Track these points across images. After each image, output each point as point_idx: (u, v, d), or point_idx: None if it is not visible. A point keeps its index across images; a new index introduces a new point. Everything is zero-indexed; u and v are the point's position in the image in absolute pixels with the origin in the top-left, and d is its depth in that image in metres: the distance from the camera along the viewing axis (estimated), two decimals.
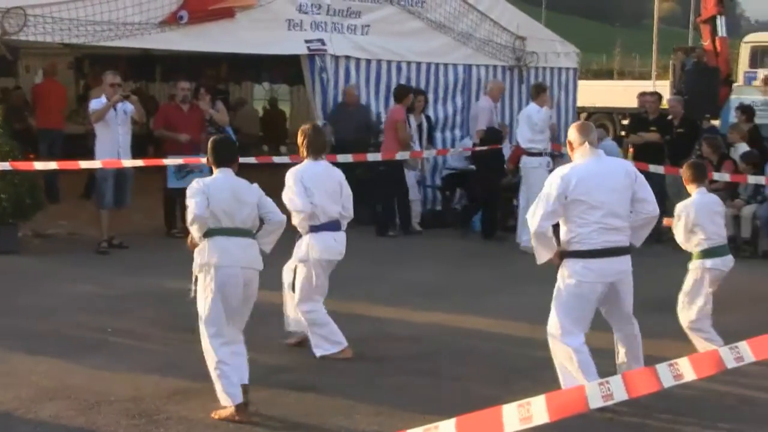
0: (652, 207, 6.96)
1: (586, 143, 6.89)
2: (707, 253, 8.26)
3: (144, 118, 13.64)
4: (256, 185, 6.88)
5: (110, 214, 12.64)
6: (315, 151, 8.05)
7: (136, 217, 14.51)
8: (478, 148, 15.10)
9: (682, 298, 8.35)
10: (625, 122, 22.79)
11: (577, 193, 6.71)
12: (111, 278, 10.86)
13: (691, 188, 8.41)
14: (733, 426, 6.64)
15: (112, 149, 12.36)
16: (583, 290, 6.80)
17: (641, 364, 6.98)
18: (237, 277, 6.60)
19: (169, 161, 12.60)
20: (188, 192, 6.63)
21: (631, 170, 7.00)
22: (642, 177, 7.00)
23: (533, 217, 6.83)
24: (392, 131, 14.52)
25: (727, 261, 8.41)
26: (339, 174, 8.18)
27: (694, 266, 8.31)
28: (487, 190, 14.57)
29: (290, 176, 7.96)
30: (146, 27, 13.20)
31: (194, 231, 6.65)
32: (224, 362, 6.54)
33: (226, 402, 6.49)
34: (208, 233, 6.60)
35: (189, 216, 6.61)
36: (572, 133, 6.99)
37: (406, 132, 14.57)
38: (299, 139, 8.12)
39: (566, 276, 6.82)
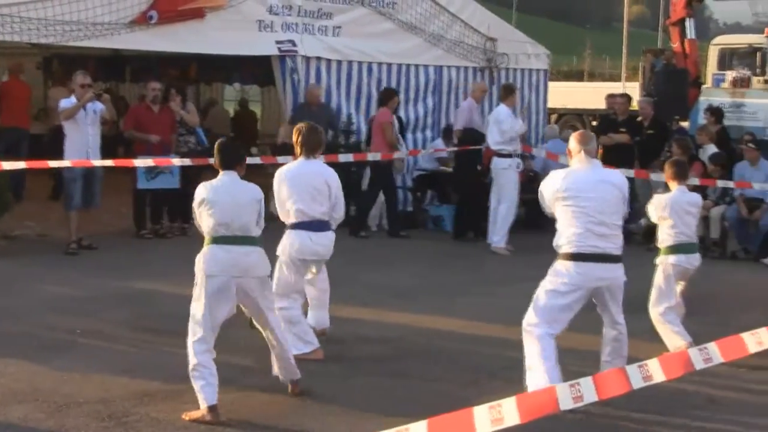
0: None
1: (583, 152, 7.07)
2: (672, 250, 8.51)
3: (115, 117, 13.58)
4: (258, 189, 6.87)
5: (79, 215, 12.54)
6: (309, 150, 8.02)
7: (106, 217, 14.42)
8: (451, 149, 15.19)
9: (653, 292, 8.50)
10: (595, 123, 22.89)
11: (566, 196, 6.93)
12: (80, 279, 10.78)
13: (672, 185, 8.63)
14: (702, 425, 6.67)
15: (82, 149, 12.27)
16: (564, 291, 6.93)
17: (624, 365, 7.00)
18: (229, 287, 6.58)
19: (140, 162, 12.53)
20: (194, 199, 6.68)
21: (621, 183, 7.15)
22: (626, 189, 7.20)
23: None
24: (380, 134, 14.54)
25: (692, 259, 8.60)
26: (330, 175, 8.10)
27: (660, 261, 8.56)
28: (464, 191, 14.60)
29: (275, 174, 8.02)
30: (116, 27, 13.12)
31: None
32: (203, 366, 6.51)
33: (202, 403, 6.47)
34: (208, 240, 6.64)
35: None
36: (572, 142, 7.17)
37: (393, 134, 14.62)
38: (294, 137, 8.10)
39: (551, 275, 6.96)
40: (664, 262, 8.52)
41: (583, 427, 6.47)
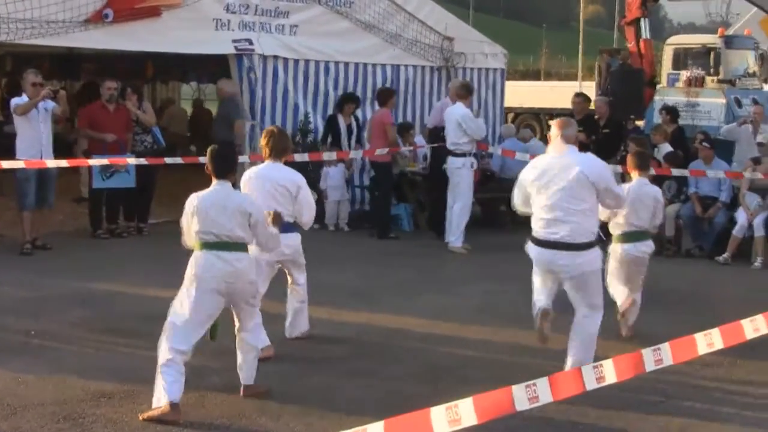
0: (614, 204, 7.71)
1: (560, 136, 7.41)
2: (622, 238, 8.79)
3: (67, 113, 13.46)
4: (251, 199, 7.09)
5: (33, 214, 12.42)
6: (276, 154, 8.10)
7: (61, 217, 14.33)
8: (419, 146, 15.30)
9: (608, 278, 8.71)
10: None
11: (532, 179, 7.37)
12: (34, 280, 10.68)
13: (633, 175, 8.96)
14: (657, 419, 6.74)
15: (34, 148, 12.15)
16: (536, 271, 7.55)
17: (580, 357, 7.38)
18: (213, 290, 6.64)
19: (95, 162, 12.44)
20: (185, 210, 6.73)
21: (591, 169, 7.37)
22: (605, 176, 7.50)
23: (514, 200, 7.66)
24: (381, 133, 14.60)
25: (640, 246, 8.86)
26: (296, 179, 8.13)
27: (612, 249, 8.81)
28: (433, 189, 14.65)
29: (243, 176, 8.14)
30: (70, 25, 13.01)
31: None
32: (175, 363, 6.53)
33: (164, 398, 6.44)
34: (199, 246, 6.70)
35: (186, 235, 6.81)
36: (552, 128, 7.55)
37: (395, 134, 14.76)
38: (263, 140, 8.18)
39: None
40: (615, 250, 8.79)
41: (541, 425, 6.50)
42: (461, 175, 13.50)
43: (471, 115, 13.61)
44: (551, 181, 7.24)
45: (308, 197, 8.19)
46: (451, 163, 13.51)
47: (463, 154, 13.50)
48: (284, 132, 8.48)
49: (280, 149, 8.13)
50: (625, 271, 8.80)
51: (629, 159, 9.13)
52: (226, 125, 14.38)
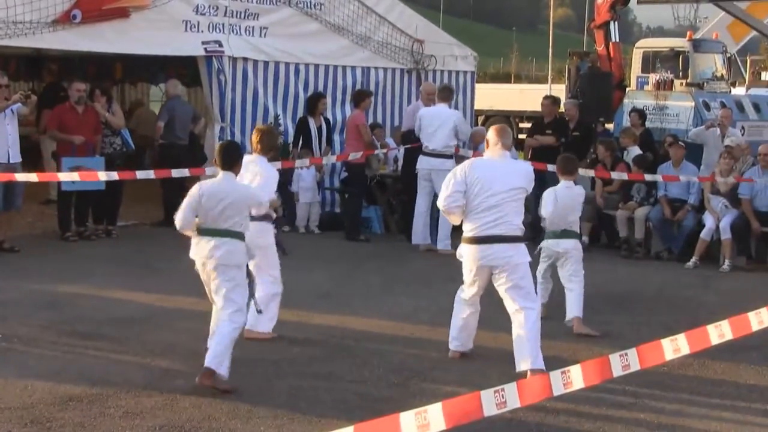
0: None
1: (500, 144, 7.85)
2: (550, 236, 9.41)
3: (34, 114, 13.36)
4: (252, 189, 7.80)
5: (0, 217, 12.31)
6: (265, 150, 8.62)
7: (29, 219, 14.23)
8: (392, 148, 15.35)
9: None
10: (525, 126, 23.06)
11: (472, 179, 7.67)
12: (1, 283, 10.58)
13: (561, 178, 9.46)
14: (629, 420, 6.76)
15: (1, 149, 12.06)
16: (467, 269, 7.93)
17: (525, 357, 7.65)
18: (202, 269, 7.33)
19: (65, 177, 12.19)
20: (187, 196, 7.31)
21: (526, 173, 7.98)
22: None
23: (441, 198, 7.91)
24: (355, 135, 14.64)
25: (562, 243, 9.35)
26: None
27: (543, 246, 9.49)
28: (405, 192, 14.69)
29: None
30: (38, 26, 12.92)
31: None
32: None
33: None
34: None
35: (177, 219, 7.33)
36: (491, 134, 7.95)
37: (369, 134, 14.77)
38: (255, 137, 8.63)
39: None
40: (539, 247, 9.46)
41: (510, 427, 6.51)
42: (438, 176, 13.50)
43: (461, 119, 13.79)
44: (492, 180, 7.68)
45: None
46: (440, 165, 13.24)
47: (451, 156, 13.51)
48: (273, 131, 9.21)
49: (269, 146, 8.69)
50: (545, 264, 9.47)
51: (557, 165, 9.66)
52: (175, 126, 14.49)
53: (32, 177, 11.92)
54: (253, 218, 7.98)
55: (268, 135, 8.79)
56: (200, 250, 7.26)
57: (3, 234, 12.41)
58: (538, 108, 16.58)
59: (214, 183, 7.35)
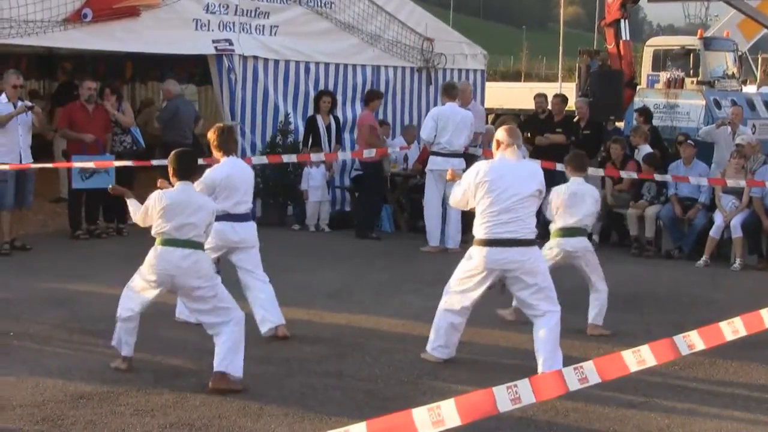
0: None
1: (514, 145, 7.73)
2: (559, 233, 9.10)
3: (45, 125, 13.41)
4: (209, 201, 7.55)
5: (12, 215, 12.35)
6: (233, 151, 8.67)
7: (40, 218, 14.26)
8: (403, 147, 15.36)
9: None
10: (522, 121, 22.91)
11: (490, 180, 7.52)
12: (13, 281, 10.62)
13: (572, 176, 9.29)
14: (640, 419, 6.75)
15: (14, 152, 12.12)
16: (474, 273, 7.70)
17: (546, 359, 7.52)
18: (166, 283, 7.24)
19: (79, 164, 12.36)
20: (149, 200, 7.24)
21: (539, 174, 7.80)
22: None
23: (453, 195, 7.95)
24: (367, 131, 14.67)
25: (572, 242, 9.12)
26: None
27: (546, 246, 9.05)
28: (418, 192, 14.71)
29: None
30: (49, 25, 12.95)
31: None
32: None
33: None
34: (160, 241, 7.22)
35: (138, 217, 7.40)
36: (503, 135, 7.76)
37: (371, 135, 14.73)
38: (215, 136, 8.49)
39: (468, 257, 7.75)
40: (547, 246, 9.04)
41: (519, 423, 6.51)
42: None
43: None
44: (508, 182, 7.54)
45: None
46: (460, 165, 12.94)
47: (462, 155, 13.51)
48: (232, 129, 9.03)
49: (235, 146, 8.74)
50: (553, 263, 9.04)
51: (566, 162, 9.49)
52: (181, 125, 14.50)
53: (47, 165, 11.98)
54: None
55: (231, 132, 8.75)
56: (166, 261, 7.12)
57: (14, 232, 12.45)
58: (549, 106, 16.53)
59: (176, 193, 7.20)
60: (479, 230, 7.61)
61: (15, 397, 6.82)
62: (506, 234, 7.49)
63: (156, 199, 7.16)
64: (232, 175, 8.38)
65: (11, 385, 7.11)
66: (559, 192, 9.10)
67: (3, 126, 12.06)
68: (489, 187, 7.52)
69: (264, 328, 8.53)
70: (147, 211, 7.23)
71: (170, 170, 7.30)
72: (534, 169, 7.89)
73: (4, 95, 12.30)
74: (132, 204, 7.55)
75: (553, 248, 9.10)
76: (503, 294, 8.03)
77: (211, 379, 7.02)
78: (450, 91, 13.95)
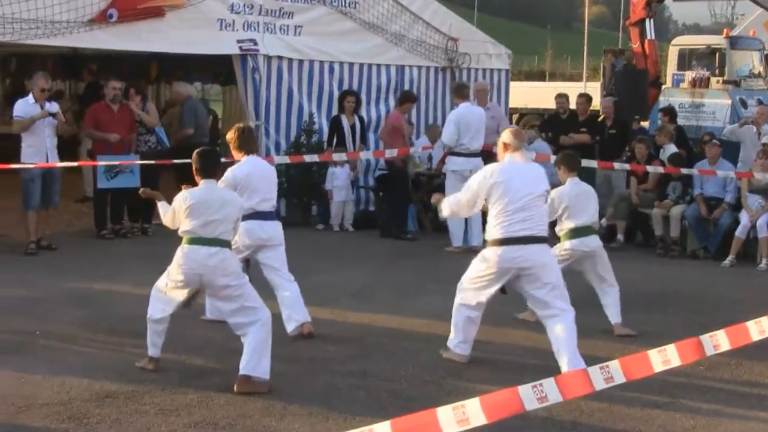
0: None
1: (522, 147, 7.88)
2: (567, 235, 9.05)
3: (68, 131, 13.47)
4: (236, 196, 7.69)
5: (38, 215, 12.43)
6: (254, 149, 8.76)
7: (66, 218, 14.33)
8: (426, 147, 15.36)
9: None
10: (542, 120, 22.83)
11: (502, 181, 7.60)
12: (39, 280, 10.68)
13: (564, 177, 9.20)
14: (665, 420, 6.72)
15: (40, 152, 12.20)
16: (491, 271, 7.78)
17: (570, 359, 7.51)
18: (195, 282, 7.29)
19: (105, 162, 12.44)
20: (175, 201, 7.29)
21: (544, 174, 7.92)
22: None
23: (449, 205, 8.09)
24: (392, 134, 14.69)
25: (586, 241, 9.09)
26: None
27: (557, 248, 8.90)
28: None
29: None
30: (74, 25, 13.01)
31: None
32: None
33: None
34: (187, 240, 7.25)
35: (167, 219, 7.44)
36: (510, 138, 7.83)
37: (388, 134, 14.76)
38: (237, 137, 8.54)
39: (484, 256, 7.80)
40: (560, 248, 8.99)
41: (543, 423, 6.49)
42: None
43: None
44: (520, 184, 7.62)
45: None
46: (480, 164, 12.88)
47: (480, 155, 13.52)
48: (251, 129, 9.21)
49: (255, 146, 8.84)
50: (565, 264, 8.95)
51: (558, 163, 9.43)
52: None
53: (72, 163, 12.06)
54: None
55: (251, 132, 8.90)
56: (192, 260, 7.17)
57: (40, 232, 12.52)
58: (573, 106, 16.49)
59: (200, 192, 7.27)
60: (495, 230, 7.64)
61: (41, 396, 6.86)
62: (522, 232, 7.54)
63: (182, 199, 7.22)
64: (252, 173, 8.43)
65: (37, 383, 7.15)
66: (565, 193, 9.03)
67: (26, 129, 12.16)
68: (505, 188, 7.56)
69: (290, 327, 8.56)
70: (174, 212, 7.28)
71: (194, 169, 7.35)
72: (541, 170, 7.96)
73: (31, 95, 12.39)
74: (162, 206, 7.58)
75: (568, 249, 9.03)
76: (504, 294, 8.00)
77: (236, 381, 7.03)
78: (461, 91, 13.99)
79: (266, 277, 8.73)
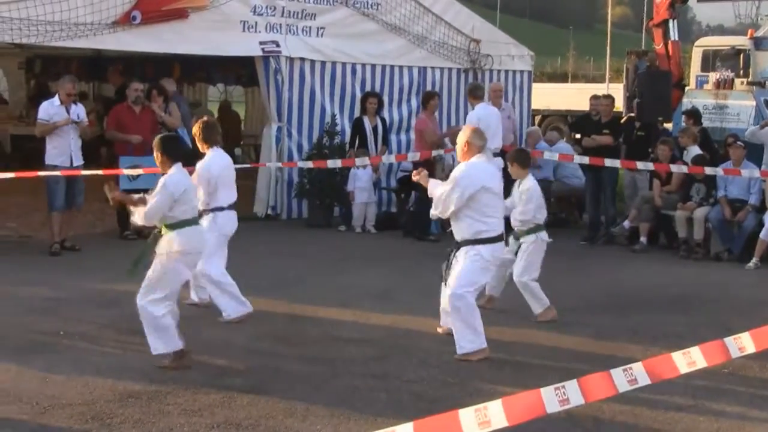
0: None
1: (486, 148, 8.42)
2: (540, 228, 9.60)
3: (90, 135, 13.54)
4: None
5: (62, 216, 12.49)
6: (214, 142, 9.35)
7: (89, 218, 14.39)
8: (450, 150, 15.36)
9: (523, 264, 9.54)
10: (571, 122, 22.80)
11: (479, 182, 8.10)
12: (63, 281, 10.73)
13: (523, 174, 9.65)
14: (688, 422, 6.69)
15: (65, 154, 12.27)
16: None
17: None
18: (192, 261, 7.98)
19: (128, 171, 12.47)
20: (165, 192, 7.60)
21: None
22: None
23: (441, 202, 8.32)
24: (419, 138, 14.78)
25: (546, 234, 9.69)
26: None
27: (534, 239, 9.54)
28: None
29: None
30: (98, 27, 13.09)
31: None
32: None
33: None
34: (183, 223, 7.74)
35: (157, 215, 7.74)
36: (475, 138, 8.27)
37: (433, 137, 14.80)
38: (201, 131, 9.27)
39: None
40: (540, 239, 9.54)
41: (568, 427, 6.47)
42: None
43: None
44: (495, 185, 8.26)
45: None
46: (500, 164, 13.04)
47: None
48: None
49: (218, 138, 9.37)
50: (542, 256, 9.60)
51: (512, 160, 9.75)
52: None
53: (97, 172, 12.13)
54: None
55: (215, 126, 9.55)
56: (196, 241, 7.76)
57: (64, 233, 12.58)
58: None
59: (183, 176, 7.76)
60: (480, 228, 8.12)
61: (65, 396, 6.89)
62: (500, 229, 8.23)
63: (174, 186, 7.57)
64: (222, 166, 9.19)
65: (61, 383, 7.18)
66: (537, 189, 9.57)
67: (48, 134, 12.23)
68: (475, 188, 8.06)
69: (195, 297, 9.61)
70: (169, 202, 7.58)
71: (164, 156, 7.75)
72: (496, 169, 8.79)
73: (56, 97, 12.46)
74: (140, 209, 7.88)
75: (543, 242, 9.58)
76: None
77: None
78: (476, 92, 14.01)
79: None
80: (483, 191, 8.06)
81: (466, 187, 8.03)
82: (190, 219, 7.70)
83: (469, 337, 8.07)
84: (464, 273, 8.13)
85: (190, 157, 13.45)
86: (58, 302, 9.81)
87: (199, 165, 9.07)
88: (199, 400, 6.84)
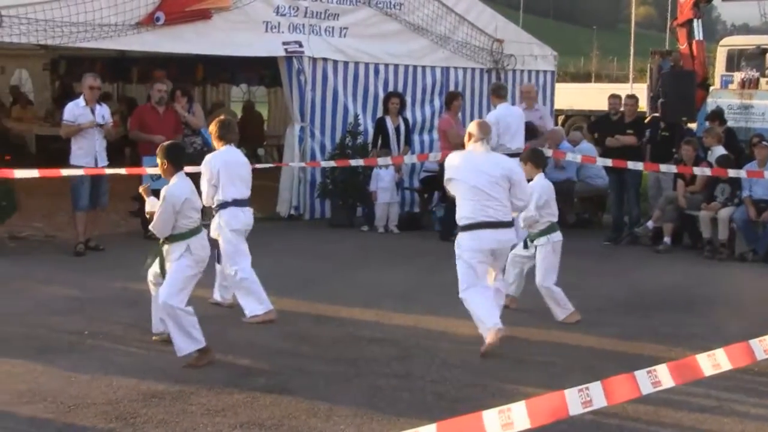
0: (522, 204, 8.67)
1: (484, 140, 8.48)
2: (551, 229, 9.51)
3: (114, 136, 13.59)
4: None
5: (86, 216, 12.55)
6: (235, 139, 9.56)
7: (113, 218, 14.45)
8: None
9: (543, 269, 9.48)
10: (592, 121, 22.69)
11: (458, 174, 8.39)
12: (87, 280, 10.79)
13: (534, 173, 9.58)
14: (712, 424, 6.66)
15: (89, 155, 12.33)
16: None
17: None
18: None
19: (151, 170, 12.52)
20: (177, 197, 7.72)
21: (508, 167, 8.52)
22: (521, 179, 8.56)
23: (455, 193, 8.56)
24: (443, 138, 14.76)
25: (560, 234, 9.62)
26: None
27: (546, 242, 9.50)
28: None
29: None
30: (122, 28, 13.15)
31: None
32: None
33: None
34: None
35: (166, 226, 7.93)
36: (476, 129, 8.52)
37: (457, 138, 14.62)
38: (220, 129, 9.36)
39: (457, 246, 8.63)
40: (552, 241, 9.48)
41: (592, 428, 6.45)
42: None
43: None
44: (475, 172, 8.33)
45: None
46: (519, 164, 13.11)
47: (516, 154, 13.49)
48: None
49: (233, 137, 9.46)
50: (558, 257, 9.54)
51: (526, 159, 9.72)
52: None
53: (120, 171, 12.18)
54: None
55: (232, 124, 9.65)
56: (205, 247, 7.94)
57: (89, 233, 12.64)
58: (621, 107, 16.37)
59: (189, 184, 7.86)
60: (461, 217, 8.47)
61: (89, 396, 6.92)
62: (485, 218, 8.39)
63: (173, 198, 7.70)
64: (227, 160, 9.23)
65: (85, 383, 7.22)
66: (541, 187, 9.48)
67: (73, 135, 12.30)
68: (456, 174, 8.43)
69: (217, 297, 9.77)
70: (172, 213, 7.76)
71: (169, 164, 7.85)
72: (498, 158, 8.74)
73: (81, 98, 12.52)
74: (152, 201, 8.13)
75: (559, 243, 9.58)
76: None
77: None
78: (499, 92, 13.96)
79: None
80: (452, 181, 8.47)
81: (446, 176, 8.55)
82: (194, 228, 7.85)
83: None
84: None
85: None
86: (82, 302, 9.86)
87: (206, 158, 9.36)
88: (223, 400, 6.86)
